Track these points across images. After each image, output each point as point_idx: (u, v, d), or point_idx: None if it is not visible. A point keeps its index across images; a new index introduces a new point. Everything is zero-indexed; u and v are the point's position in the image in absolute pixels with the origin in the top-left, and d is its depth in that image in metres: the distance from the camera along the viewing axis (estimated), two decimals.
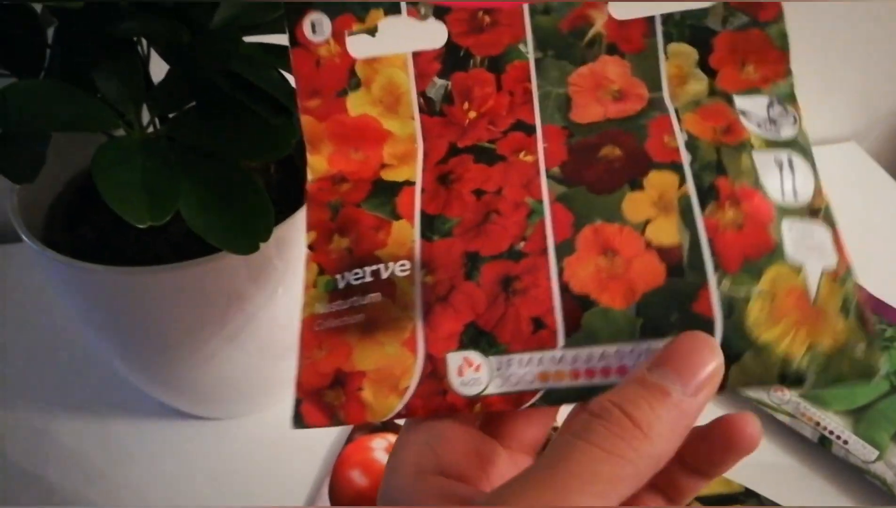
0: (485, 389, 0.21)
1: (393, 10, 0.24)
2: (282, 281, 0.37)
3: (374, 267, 0.22)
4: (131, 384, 0.43)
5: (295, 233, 0.36)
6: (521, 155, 0.23)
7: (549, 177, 0.23)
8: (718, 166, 0.22)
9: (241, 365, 0.40)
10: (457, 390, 0.21)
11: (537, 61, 0.24)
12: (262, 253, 0.34)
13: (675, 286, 0.21)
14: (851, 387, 0.45)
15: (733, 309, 0.20)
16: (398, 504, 0.20)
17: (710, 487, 0.41)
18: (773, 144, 0.22)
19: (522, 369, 0.21)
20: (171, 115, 0.30)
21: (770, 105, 0.23)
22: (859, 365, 0.20)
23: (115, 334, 0.36)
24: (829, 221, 0.22)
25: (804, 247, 0.21)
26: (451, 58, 0.24)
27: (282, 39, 0.32)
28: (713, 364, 0.19)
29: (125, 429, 0.44)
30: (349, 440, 0.43)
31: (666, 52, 0.24)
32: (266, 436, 0.44)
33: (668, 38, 0.24)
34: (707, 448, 0.21)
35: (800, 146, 0.23)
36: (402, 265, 0.22)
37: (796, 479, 0.42)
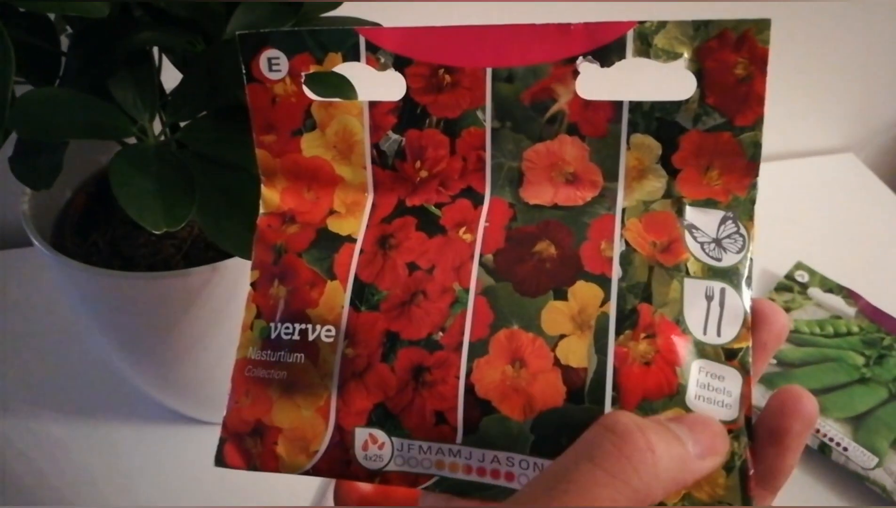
0: (385, 465, 0.22)
1: (352, 55, 0.23)
2: None
3: (303, 327, 0.23)
4: (139, 389, 0.43)
5: None
6: (461, 231, 0.23)
7: (481, 264, 0.22)
8: (645, 290, 0.21)
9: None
10: (360, 462, 0.22)
11: (494, 131, 0.23)
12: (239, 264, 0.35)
13: (572, 412, 0.21)
14: (851, 394, 0.45)
15: None
16: None
17: None
18: (709, 272, 0.22)
19: (422, 455, 0.22)
20: (184, 124, 0.31)
21: (723, 222, 0.22)
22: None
23: (126, 338, 0.36)
24: (744, 367, 0.21)
25: (708, 393, 0.21)
26: (408, 113, 0.24)
27: None
28: (723, 443, 0.19)
29: (131, 434, 0.44)
30: None
31: (629, 142, 0.22)
32: None
33: (634, 128, 0.22)
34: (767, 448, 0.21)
35: (738, 276, 0.21)
36: (329, 330, 0.23)
37: (797, 487, 0.42)
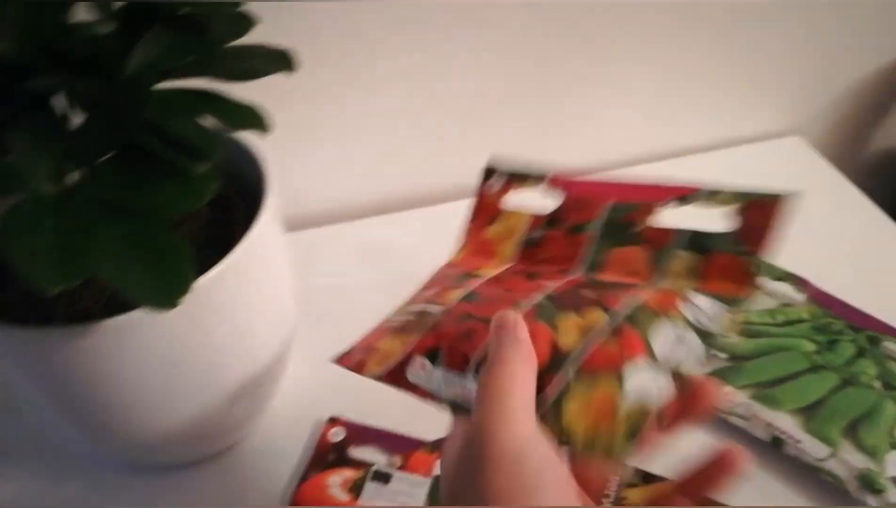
0: (420, 380, 0.31)
1: (541, 180, 0.37)
2: (221, 323, 0.37)
3: (426, 305, 0.34)
4: (84, 440, 0.42)
5: (237, 271, 0.35)
6: (547, 282, 0.34)
7: (545, 295, 0.32)
8: (633, 318, 0.29)
9: (188, 413, 0.39)
10: (407, 376, 0.31)
11: (597, 235, 0.35)
12: (199, 299, 0.34)
13: (547, 366, 0.28)
14: (802, 384, 0.45)
15: (561, 399, 0.28)
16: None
17: None
18: (691, 327, 0.29)
19: (443, 379, 0.30)
20: (86, 168, 0.29)
21: (714, 307, 0.30)
22: (609, 449, 0.26)
23: (55, 394, 0.35)
24: (681, 381, 0.28)
25: (644, 381, 0.27)
26: (551, 220, 0.37)
27: (201, 83, 0.32)
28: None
29: (80, 486, 0.43)
30: (303, 478, 0.43)
31: (674, 255, 0.33)
32: (218, 481, 0.43)
33: (683, 244, 0.33)
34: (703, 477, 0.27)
35: (712, 338, 0.29)
36: (438, 308, 0.34)
37: (752, 481, 0.42)
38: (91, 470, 0.44)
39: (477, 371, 0.29)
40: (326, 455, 0.44)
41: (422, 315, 0.34)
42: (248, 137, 0.41)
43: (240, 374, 0.39)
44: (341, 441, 0.45)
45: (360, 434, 0.45)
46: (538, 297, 0.32)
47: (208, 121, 0.30)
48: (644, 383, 0.27)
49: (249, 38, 0.33)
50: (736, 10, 0.59)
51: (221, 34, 0.32)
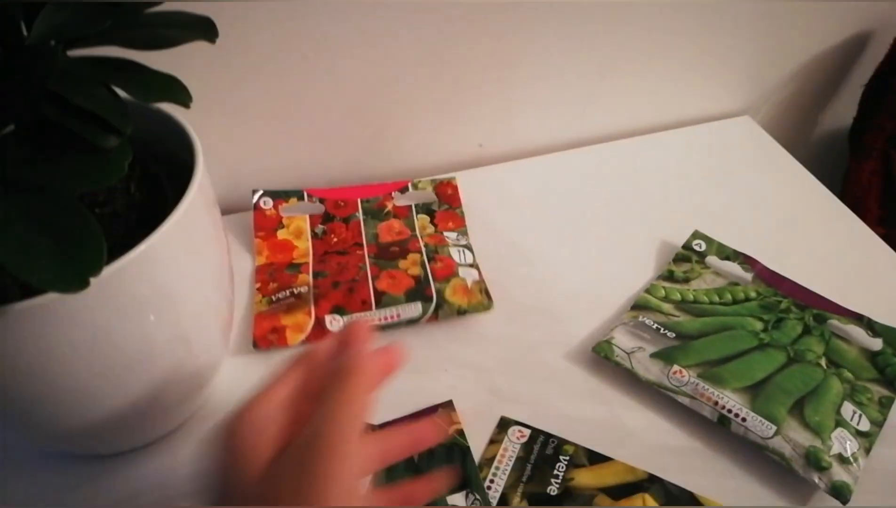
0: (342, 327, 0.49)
1: (301, 197, 0.57)
2: (151, 306, 0.35)
3: (291, 290, 0.51)
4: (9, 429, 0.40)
5: (163, 252, 0.33)
6: (357, 251, 0.54)
7: (368, 256, 0.53)
8: (436, 251, 0.53)
9: (116, 401, 0.37)
10: (328, 328, 0.48)
11: (363, 220, 0.57)
12: (123, 280, 0.32)
13: (418, 286, 0.51)
14: (749, 363, 0.45)
15: (440, 292, 0.50)
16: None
17: (615, 476, 0.41)
18: (456, 245, 0.55)
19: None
20: None
21: (458, 235, 0.56)
22: (478, 306, 0.50)
23: None
24: (476, 267, 0.53)
25: (466, 272, 0.52)
26: (326, 218, 0.57)
27: (113, 52, 0.29)
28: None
29: (8, 476, 0.41)
30: None
31: (417, 218, 0.57)
32: (156, 469, 0.41)
33: (418, 211, 0.58)
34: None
35: (468, 246, 0.55)
36: (303, 288, 0.51)
37: (697, 460, 0.42)
38: (20, 461, 0.41)
39: (377, 305, 0.49)
40: None
41: (297, 296, 0.50)
42: (180, 115, 0.39)
43: (171, 360, 0.38)
44: None
45: None
46: (368, 260, 0.53)
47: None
48: (468, 272, 0.52)
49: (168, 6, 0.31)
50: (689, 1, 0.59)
51: (135, 4, 0.30)
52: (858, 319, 0.49)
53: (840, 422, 0.42)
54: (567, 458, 0.41)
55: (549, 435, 0.43)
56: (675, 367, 0.44)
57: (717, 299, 0.50)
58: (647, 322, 0.48)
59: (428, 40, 0.55)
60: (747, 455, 0.42)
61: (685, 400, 0.43)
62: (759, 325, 0.48)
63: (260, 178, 0.59)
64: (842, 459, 0.40)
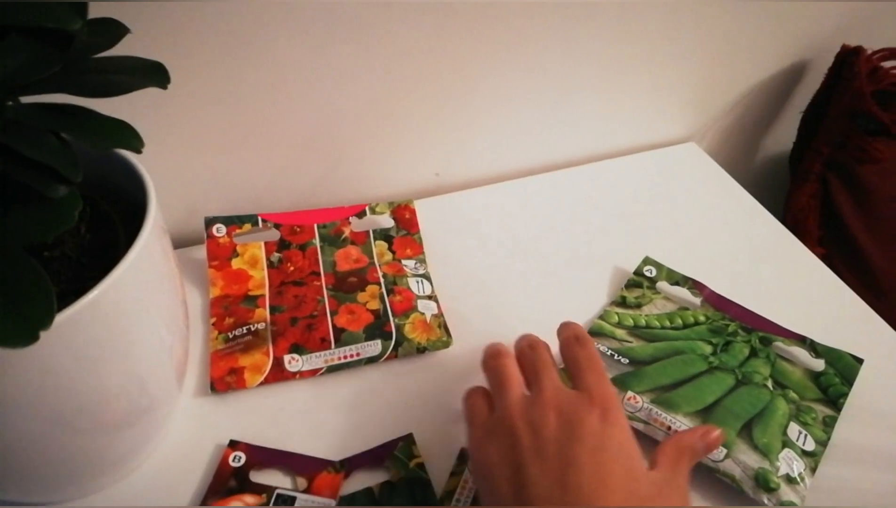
0: (301, 367, 0.48)
1: (255, 223, 0.56)
2: (105, 349, 0.34)
3: (248, 327, 0.50)
4: None
5: (116, 296, 0.33)
6: (314, 282, 0.53)
7: (326, 288, 0.53)
8: (395, 282, 0.54)
9: (76, 446, 0.37)
10: (287, 369, 0.48)
11: (320, 247, 0.56)
12: (76, 325, 0.31)
13: (378, 322, 0.51)
14: (699, 387, 0.47)
15: (400, 328, 0.50)
16: None
17: None
18: (415, 275, 0.55)
19: (317, 358, 0.48)
20: None
21: (416, 263, 0.56)
22: (437, 343, 0.51)
23: None
24: (435, 300, 0.54)
25: (425, 306, 0.52)
26: (282, 245, 0.55)
27: (63, 99, 0.29)
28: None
29: None
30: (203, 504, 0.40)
31: (374, 245, 0.57)
32: None
33: (376, 237, 0.57)
34: None
35: (427, 276, 0.55)
36: (261, 325, 0.50)
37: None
38: None
39: (336, 343, 0.49)
40: (227, 482, 0.42)
41: (254, 333, 0.49)
42: (130, 153, 0.39)
43: (126, 403, 0.37)
44: (242, 466, 0.43)
45: (262, 457, 0.43)
46: (326, 292, 0.52)
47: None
48: (427, 305, 0.53)
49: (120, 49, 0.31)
50: (629, 20, 0.61)
51: (88, 45, 0.30)
52: (802, 341, 0.51)
53: (787, 443, 0.44)
54: None
55: None
56: (629, 393, 0.45)
57: (668, 324, 0.52)
58: (601, 348, 0.49)
59: (382, 69, 0.55)
60: (700, 478, 0.43)
61: (640, 426, 0.44)
62: (708, 349, 0.50)
63: (214, 210, 0.58)
64: (789, 479, 0.42)
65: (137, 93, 0.30)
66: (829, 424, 0.46)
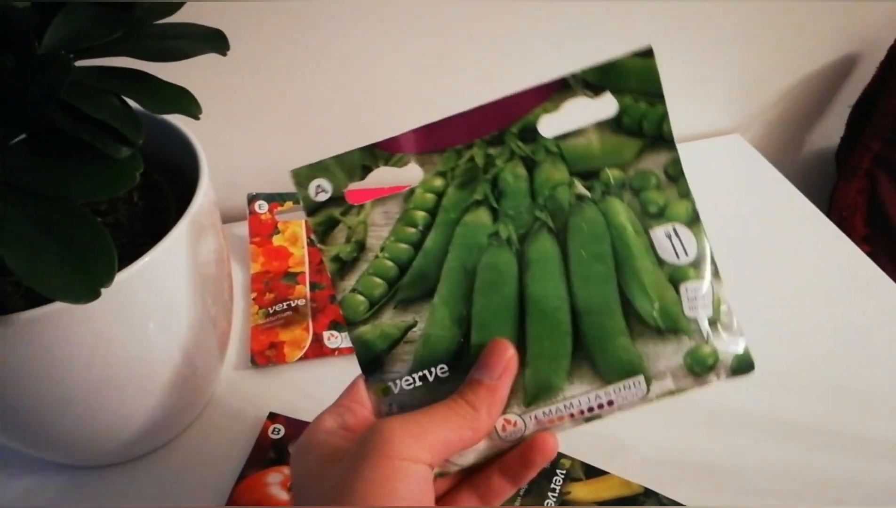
0: (340, 344, 0.48)
1: (296, 200, 0.52)
2: (152, 316, 0.35)
3: (288, 302, 0.51)
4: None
5: (167, 262, 0.33)
6: None
7: None
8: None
9: (121, 410, 0.37)
10: (326, 345, 0.48)
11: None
12: (127, 290, 0.32)
13: None
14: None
15: None
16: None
17: (611, 490, 0.41)
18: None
19: None
20: None
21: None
22: None
23: None
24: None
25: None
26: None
27: (123, 62, 0.30)
28: (507, 355, 0.28)
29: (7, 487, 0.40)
30: (241, 476, 0.41)
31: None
32: (155, 480, 0.41)
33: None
34: (517, 459, 0.30)
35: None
36: (301, 301, 0.51)
37: (695, 476, 0.42)
38: (14, 471, 0.41)
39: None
40: (266, 453, 0.42)
41: (294, 309, 0.50)
42: (183, 122, 0.39)
43: (170, 370, 0.38)
44: (281, 439, 0.43)
45: (301, 430, 0.43)
46: None
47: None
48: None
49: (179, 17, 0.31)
50: (676, 10, 0.60)
51: (149, 10, 0.30)
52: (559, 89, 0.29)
53: (672, 276, 0.30)
54: (564, 472, 0.42)
55: None
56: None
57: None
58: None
59: (431, 39, 0.55)
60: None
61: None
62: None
63: (256, 187, 0.59)
64: (713, 325, 0.29)
65: (186, 67, 0.30)
66: (674, 177, 0.33)
